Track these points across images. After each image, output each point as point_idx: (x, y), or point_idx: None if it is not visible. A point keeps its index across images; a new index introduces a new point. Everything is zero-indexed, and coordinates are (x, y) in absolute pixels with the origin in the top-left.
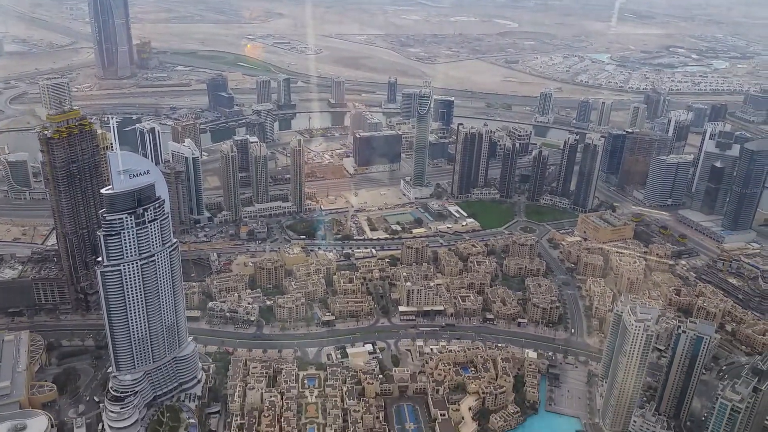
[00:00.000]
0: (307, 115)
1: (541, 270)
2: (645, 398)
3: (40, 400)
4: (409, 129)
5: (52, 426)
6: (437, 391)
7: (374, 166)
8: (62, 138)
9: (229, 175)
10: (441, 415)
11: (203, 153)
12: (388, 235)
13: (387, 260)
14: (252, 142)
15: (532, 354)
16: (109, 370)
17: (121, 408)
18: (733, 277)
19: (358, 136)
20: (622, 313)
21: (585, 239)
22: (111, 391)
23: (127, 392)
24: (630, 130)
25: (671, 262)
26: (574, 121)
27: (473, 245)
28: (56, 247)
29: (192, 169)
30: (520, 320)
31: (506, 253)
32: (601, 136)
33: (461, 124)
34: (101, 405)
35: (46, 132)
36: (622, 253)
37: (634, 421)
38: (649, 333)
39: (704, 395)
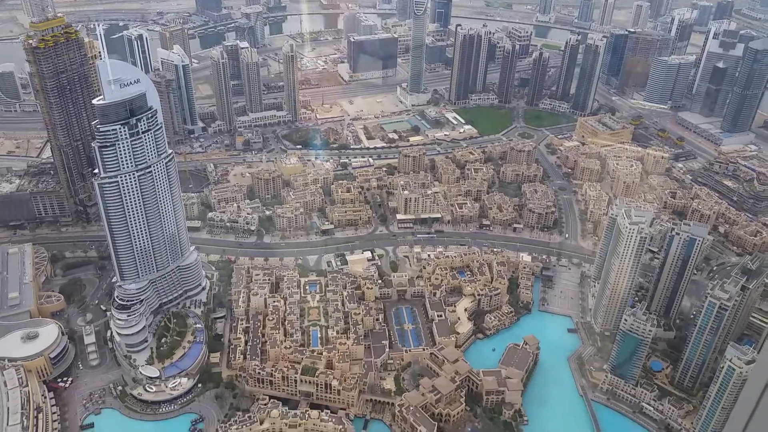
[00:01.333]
0: (298, 17)
1: (538, 176)
2: (636, 298)
3: (49, 309)
4: (405, 31)
5: (62, 334)
6: (434, 294)
7: (370, 72)
8: (49, 47)
9: (220, 82)
10: (438, 316)
11: (193, 60)
12: (385, 144)
13: (384, 169)
14: (243, 48)
15: (526, 257)
16: (113, 280)
17: (128, 316)
18: (728, 180)
19: (352, 40)
20: (616, 216)
21: (583, 144)
22: (117, 299)
23: (133, 300)
24: (632, 30)
25: (668, 165)
26: (575, 20)
27: (471, 152)
28: (52, 160)
29: (183, 78)
30: (515, 225)
31: (503, 160)
32: (603, 36)
33: (459, 25)
34: (108, 313)
35: (31, 41)
36: (619, 157)
37: (625, 320)
38: (642, 235)
39: (694, 295)
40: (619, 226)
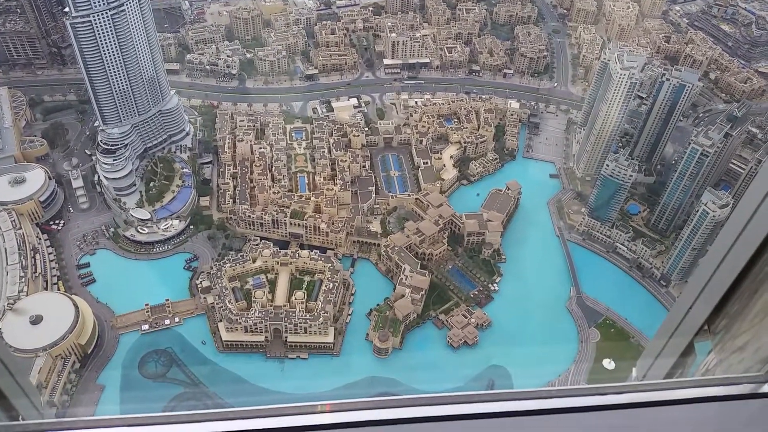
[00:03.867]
0: None
1: (533, 17)
2: (620, 144)
3: (33, 154)
4: None
5: (49, 178)
6: (421, 142)
7: None
8: None
9: None
10: (424, 163)
11: None
12: None
13: (371, 9)
14: None
15: (514, 104)
16: (96, 124)
17: (114, 160)
18: (726, 24)
19: None
20: (608, 61)
21: None
22: (101, 144)
23: (117, 145)
24: None
25: (666, 8)
26: None
27: None
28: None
29: None
30: (506, 71)
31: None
32: None
33: None
34: (93, 158)
35: None
36: None
37: (607, 165)
38: (633, 80)
39: (678, 141)
40: (610, 71)
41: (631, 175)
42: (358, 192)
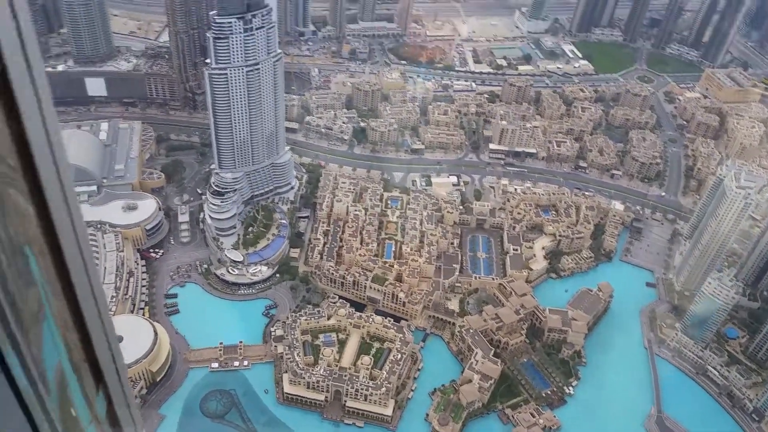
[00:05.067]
0: None
1: (650, 124)
2: (726, 264)
3: (150, 185)
4: None
5: (159, 209)
6: (514, 228)
7: None
8: None
9: None
10: (514, 249)
11: None
12: (491, 70)
13: (486, 96)
14: None
15: (618, 206)
16: (212, 167)
17: (221, 202)
18: None
19: None
20: (724, 177)
21: (705, 96)
22: (213, 185)
23: (227, 188)
24: None
25: None
26: None
27: (581, 89)
28: (168, 45)
29: None
30: (614, 172)
31: (616, 102)
32: None
33: None
34: (203, 197)
35: None
36: (741, 116)
37: (709, 283)
38: (748, 201)
39: None
40: (725, 188)
41: (733, 297)
42: (443, 267)
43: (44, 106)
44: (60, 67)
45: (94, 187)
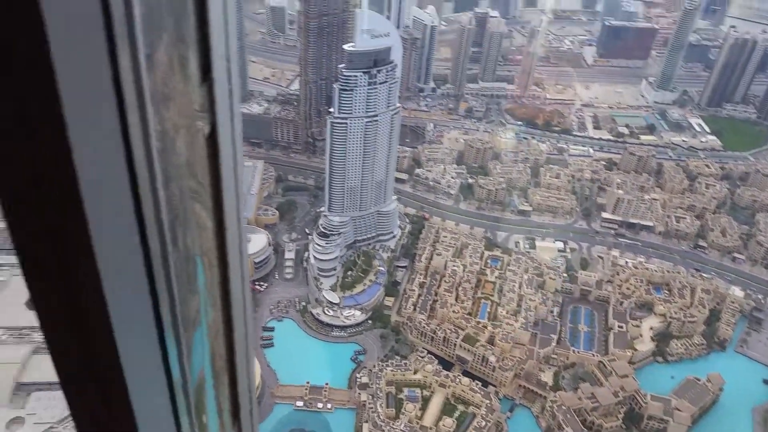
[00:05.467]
0: None
1: None
2: None
3: (264, 221)
4: (668, 24)
5: (269, 244)
6: (621, 304)
7: (617, 59)
8: None
9: (461, 48)
10: (619, 326)
11: (442, 22)
12: (611, 137)
13: (603, 162)
14: (492, 17)
15: (738, 292)
16: (321, 209)
17: (326, 243)
18: None
19: (607, 23)
20: None
21: None
22: (320, 227)
23: (333, 231)
24: None
25: None
26: None
27: (707, 165)
28: (297, 93)
29: (428, 38)
30: (736, 255)
31: (743, 182)
32: None
33: (734, 26)
34: (310, 237)
35: None
36: None
37: None
38: None
39: None
40: None
41: None
42: (539, 336)
43: (236, 127)
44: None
45: None
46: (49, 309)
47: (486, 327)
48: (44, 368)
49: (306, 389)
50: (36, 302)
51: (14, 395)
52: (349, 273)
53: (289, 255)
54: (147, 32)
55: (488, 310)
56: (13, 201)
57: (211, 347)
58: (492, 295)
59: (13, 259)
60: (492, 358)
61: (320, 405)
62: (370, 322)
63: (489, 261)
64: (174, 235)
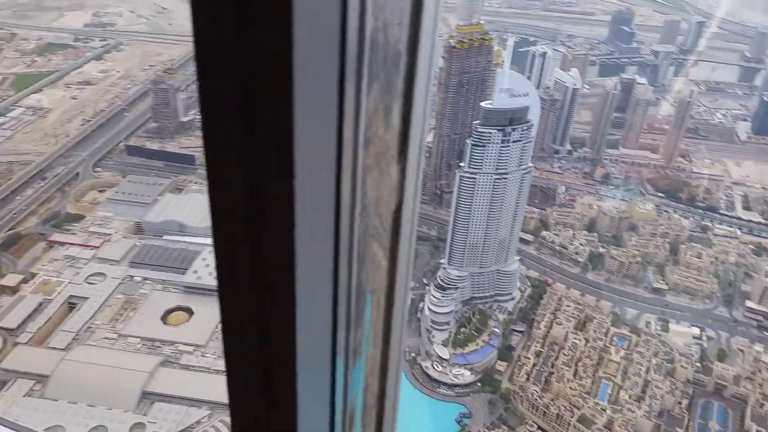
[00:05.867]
0: (710, 65)
1: None
2: None
3: None
4: None
5: None
6: (761, 405)
7: None
8: (463, 49)
9: (603, 112)
10: (757, 430)
11: (585, 85)
12: (762, 220)
13: (751, 246)
14: (639, 84)
15: None
16: (441, 261)
17: (443, 296)
18: None
19: (766, 99)
20: None
21: None
22: (438, 279)
23: (451, 285)
24: None
25: None
26: None
27: None
28: (430, 145)
29: (569, 100)
30: None
31: None
32: None
33: None
34: (427, 287)
35: (451, 41)
36: None
37: None
38: None
39: None
40: None
41: None
42: (663, 428)
43: (419, 167)
44: None
45: None
46: (237, 320)
47: (605, 410)
48: (169, 381)
49: None
50: (226, 313)
51: (140, 402)
52: (463, 330)
53: None
54: (370, 75)
55: (609, 391)
56: (228, 215)
57: (366, 383)
58: (614, 376)
59: (155, 274)
60: None
61: None
62: (479, 384)
63: (614, 339)
64: (356, 268)
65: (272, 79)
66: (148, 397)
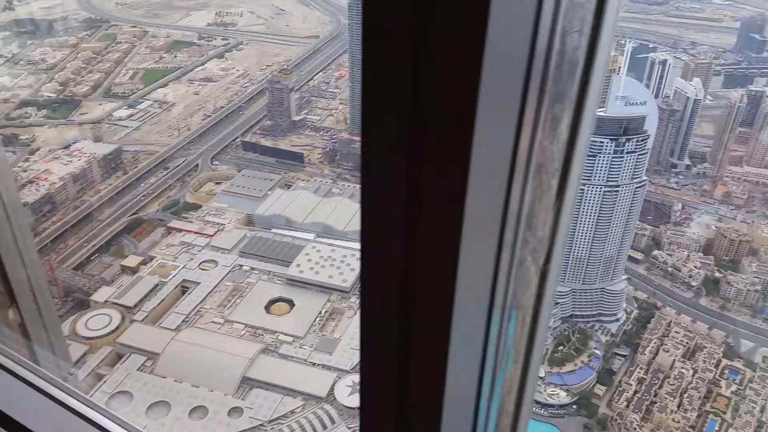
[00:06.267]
0: None
1: None
2: None
3: None
4: None
5: None
6: None
7: None
8: None
9: (726, 126)
10: None
11: (708, 97)
12: None
13: None
14: None
15: None
16: None
17: None
18: None
19: None
20: None
21: None
22: None
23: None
24: None
25: None
26: None
27: None
28: None
29: (689, 111)
30: None
31: None
32: None
33: None
34: None
35: None
36: None
37: None
38: None
39: None
40: None
41: None
42: None
43: (578, 184)
44: None
45: None
46: (378, 335)
47: None
48: (267, 369)
49: None
50: (366, 323)
51: (239, 387)
52: (560, 348)
53: None
54: (552, 87)
55: (716, 428)
56: (381, 214)
57: (501, 403)
58: (724, 412)
59: (261, 264)
60: None
61: None
62: (575, 407)
63: (726, 372)
64: (513, 283)
65: (457, 85)
66: (247, 382)
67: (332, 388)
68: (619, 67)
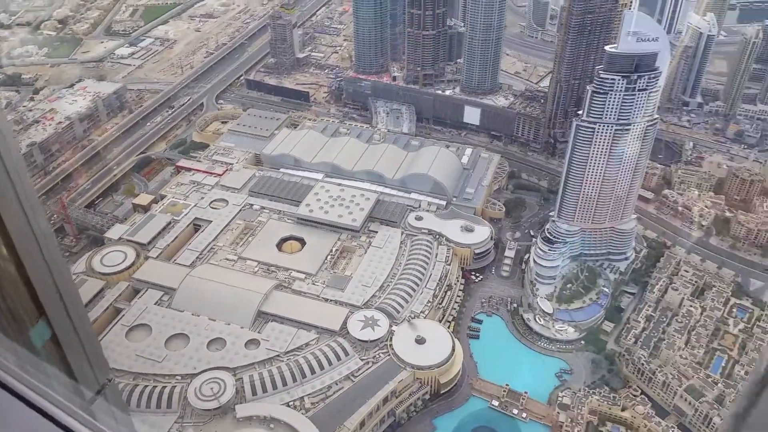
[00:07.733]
0: None
1: None
2: None
3: (489, 214)
4: None
5: (491, 238)
6: None
7: None
8: None
9: (741, 63)
10: None
11: (722, 32)
12: None
13: None
14: None
15: None
16: (550, 213)
17: (550, 249)
18: None
19: None
20: None
21: None
22: (546, 231)
23: (559, 239)
24: None
25: None
26: None
27: None
28: (546, 90)
29: (702, 48)
30: None
31: None
32: None
33: None
34: (533, 240)
35: None
36: None
37: None
38: None
39: None
40: None
41: None
42: None
43: None
44: (448, 92)
45: (444, 202)
46: None
47: (717, 383)
48: (282, 303)
49: (504, 391)
50: None
51: (255, 320)
52: (569, 286)
53: (509, 253)
54: None
55: (723, 365)
56: None
57: None
58: (731, 349)
59: (272, 204)
60: (717, 419)
61: (515, 411)
62: (582, 342)
63: (734, 310)
64: None
65: None
66: (262, 316)
67: (345, 323)
68: (631, 2)
